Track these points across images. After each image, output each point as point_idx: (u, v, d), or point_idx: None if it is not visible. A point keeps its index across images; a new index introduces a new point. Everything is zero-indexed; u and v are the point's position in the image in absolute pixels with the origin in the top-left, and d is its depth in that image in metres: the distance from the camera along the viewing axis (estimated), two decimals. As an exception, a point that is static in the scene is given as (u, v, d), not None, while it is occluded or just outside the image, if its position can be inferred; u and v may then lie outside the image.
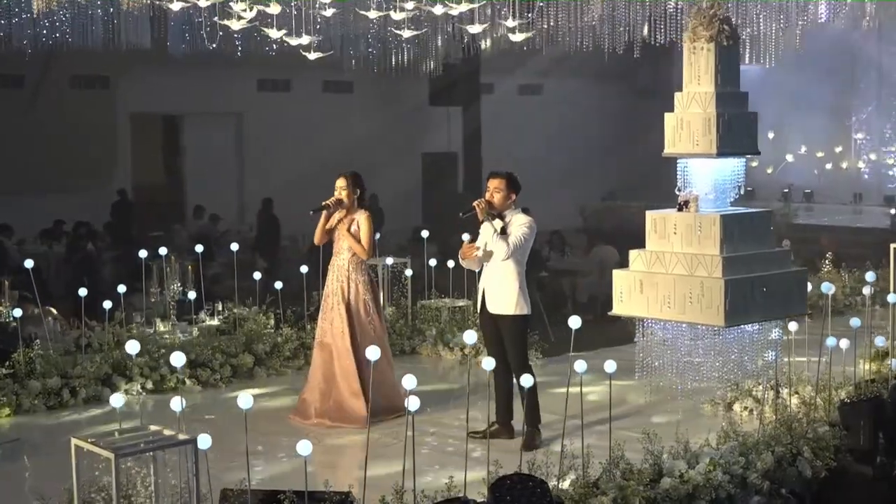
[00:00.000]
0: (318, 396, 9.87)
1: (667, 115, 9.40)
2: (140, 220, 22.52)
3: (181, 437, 5.99)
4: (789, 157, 28.08)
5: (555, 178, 27.33)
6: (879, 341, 9.20)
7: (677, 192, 9.37)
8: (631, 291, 9.20)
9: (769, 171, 28.45)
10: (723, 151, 8.98)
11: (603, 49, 17.29)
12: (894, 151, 27.44)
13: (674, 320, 9.03)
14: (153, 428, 6.16)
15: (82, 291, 11.15)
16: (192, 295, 11.83)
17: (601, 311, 17.84)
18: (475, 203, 9.16)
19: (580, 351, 12.94)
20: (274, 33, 10.50)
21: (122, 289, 11.52)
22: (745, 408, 9.85)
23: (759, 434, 8.23)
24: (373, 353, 7.10)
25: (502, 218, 9.10)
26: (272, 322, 12.49)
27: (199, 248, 12.73)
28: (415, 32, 12.75)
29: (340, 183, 10.01)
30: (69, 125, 22.43)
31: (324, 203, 10.03)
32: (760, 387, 9.79)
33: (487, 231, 9.20)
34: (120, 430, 6.15)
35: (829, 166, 28.00)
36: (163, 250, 12.21)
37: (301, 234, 22.76)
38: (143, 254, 12.03)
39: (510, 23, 10.96)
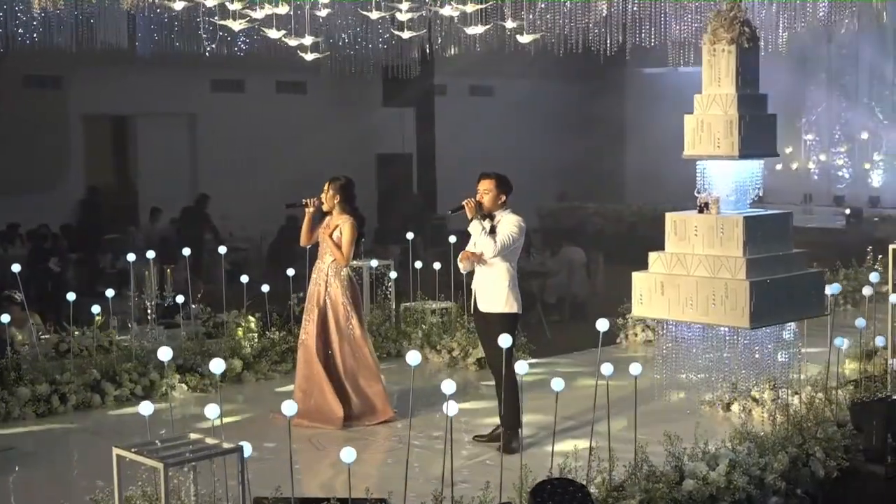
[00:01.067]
0: (300, 396, 9.82)
1: (686, 117, 9.41)
2: (94, 222, 22.20)
3: (225, 445, 5.88)
4: (739, 158, 28.32)
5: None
6: (879, 341, 9.29)
7: (697, 194, 9.39)
8: (651, 293, 9.20)
9: (720, 171, 28.69)
10: (745, 153, 9.01)
11: (553, 50, 17.37)
12: (844, 152, 27.82)
13: (697, 322, 9.04)
14: (193, 436, 6.04)
15: (70, 296, 10.93)
16: (180, 299, 11.62)
17: (569, 312, 17.95)
18: (465, 201, 9.11)
19: (563, 353, 13.05)
20: (273, 33, 10.36)
21: (110, 293, 11.31)
22: (744, 408, 9.92)
23: (773, 435, 8.27)
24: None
25: (491, 219, 9.07)
26: (252, 325, 12.35)
27: (163, 252, 12.62)
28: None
29: (325, 187, 9.94)
30: (21, 126, 22.02)
31: (304, 200, 9.95)
32: (758, 387, 9.89)
33: (475, 229, 9.14)
34: (162, 439, 6.03)
35: (779, 167, 28.26)
36: (150, 254, 11.99)
37: (258, 235, 22.67)
38: (131, 257, 11.80)
39: (509, 23, 10.90)
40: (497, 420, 9.17)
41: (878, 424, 8.20)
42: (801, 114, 28.31)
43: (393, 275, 12.84)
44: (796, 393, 9.52)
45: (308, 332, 9.82)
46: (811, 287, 9.27)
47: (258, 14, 10.53)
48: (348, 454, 6.05)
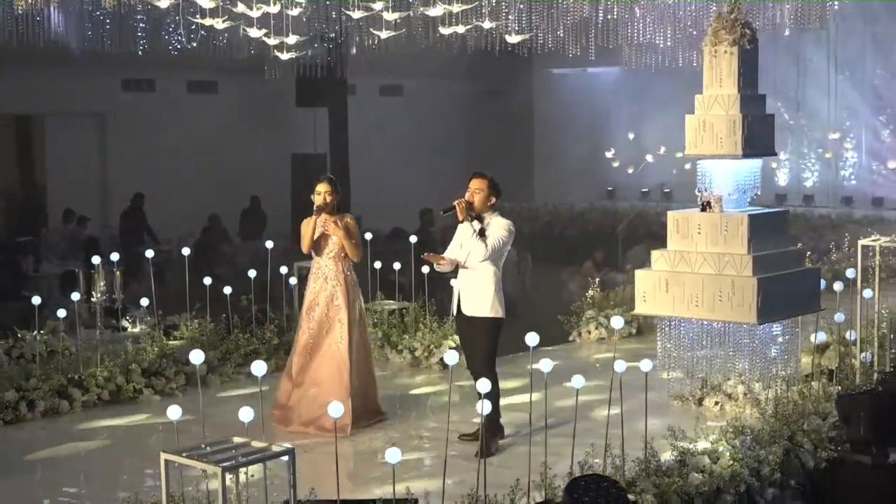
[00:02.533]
0: (303, 403, 9.63)
1: (688, 117, 9.55)
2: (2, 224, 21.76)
3: (275, 448, 5.84)
4: (649, 158, 28.86)
5: (419, 179, 27.45)
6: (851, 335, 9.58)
7: (698, 193, 9.55)
8: (655, 291, 9.31)
9: (630, 171, 29.21)
10: (747, 153, 9.19)
11: (460, 51, 17.51)
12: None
13: (703, 319, 9.20)
14: (237, 439, 5.98)
15: (36, 300, 10.69)
16: (144, 301, 11.44)
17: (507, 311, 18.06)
18: (456, 202, 9.10)
19: (504, 354, 13.07)
20: (255, 33, 10.27)
21: (75, 296, 11.07)
22: (716, 402, 10.14)
23: (766, 428, 8.48)
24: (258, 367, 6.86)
25: (480, 220, 9.06)
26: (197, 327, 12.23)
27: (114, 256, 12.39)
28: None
29: (325, 188, 9.76)
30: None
31: (317, 206, 9.77)
32: (731, 382, 10.11)
33: (464, 231, 9.13)
34: (207, 443, 5.96)
35: (687, 166, 28.82)
36: (114, 256, 11.79)
37: (177, 236, 22.35)
38: (96, 260, 11.58)
39: (486, 23, 10.94)
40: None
41: (864, 416, 8.44)
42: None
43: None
44: (769, 387, 9.77)
45: (316, 334, 9.58)
46: (809, 283, 9.53)
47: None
48: (393, 454, 6.05)
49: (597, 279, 14.30)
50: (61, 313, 10.76)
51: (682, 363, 9.59)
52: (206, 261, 18.54)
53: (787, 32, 15.84)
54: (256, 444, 5.90)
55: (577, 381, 7.04)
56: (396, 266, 12.41)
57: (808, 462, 8.46)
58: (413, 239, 12.69)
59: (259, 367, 6.57)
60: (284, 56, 12.25)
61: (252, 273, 11.92)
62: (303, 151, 26.66)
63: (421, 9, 12.60)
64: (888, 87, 26.20)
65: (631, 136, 29.93)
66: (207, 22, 10.14)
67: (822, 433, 8.63)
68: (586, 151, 29.71)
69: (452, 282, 11.25)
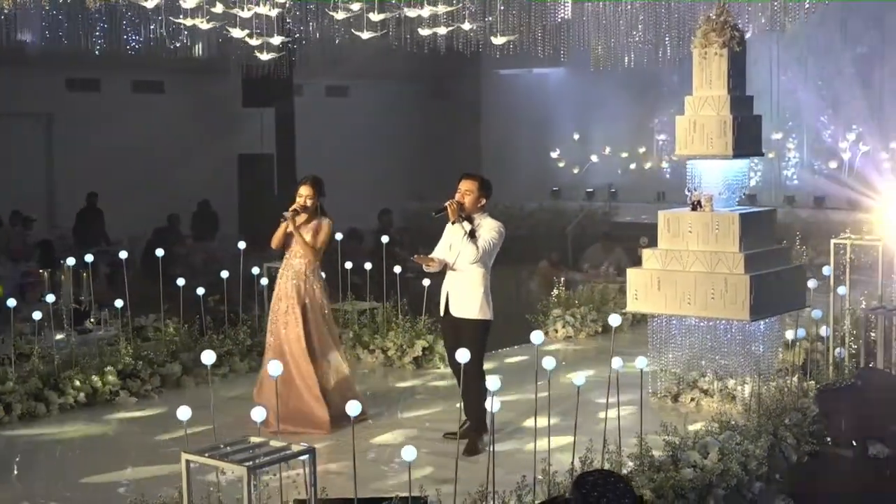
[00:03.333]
0: (275, 402, 9.66)
1: (678, 118, 9.71)
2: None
3: (295, 447, 5.87)
4: (594, 158, 29.10)
5: (366, 180, 27.47)
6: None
7: (688, 193, 9.69)
8: (647, 289, 9.44)
9: (575, 171, 29.44)
10: (737, 153, 9.35)
11: (406, 51, 17.56)
12: (694, 151, 28.80)
13: (695, 316, 9.35)
14: (255, 439, 6.00)
15: (11, 302, 10.58)
16: (119, 303, 11.35)
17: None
18: (447, 203, 9.16)
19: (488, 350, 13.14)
20: (238, 33, 10.25)
21: (50, 298, 10.96)
22: (692, 399, 10.31)
23: (751, 422, 8.64)
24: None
25: (471, 221, 9.13)
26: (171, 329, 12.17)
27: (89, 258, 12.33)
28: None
29: (306, 191, 9.85)
30: None
31: (291, 210, 9.84)
32: (707, 378, 10.28)
33: (454, 232, 9.20)
34: (226, 443, 5.98)
35: (633, 166, 29.14)
36: (88, 258, 11.70)
37: (126, 237, 22.17)
38: (71, 261, 11.48)
39: (442, 29, 11.01)
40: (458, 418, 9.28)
41: (845, 410, 8.63)
42: (653, 115, 29.19)
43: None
44: (744, 383, 9.96)
45: (294, 334, 9.64)
46: (796, 280, 9.72)
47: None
48: (409, 452, 6.11)
49: (562, 278, 14.44)
50: (37, 315, 10.64)
51: (672, 360, 9.72)
52: (162, 261, 18.41)
53: (749, 34, 16.09)
54: (274, 443, 5.93)
55: (579, 378, 7.12)
56: (367, 266, 12.43)
57: (791, 456, 8.64)
58: (385, 239, 12.75)
59: (208, 357, 6.61)
60: (265, 56, 12.11)
61: (225, 274, 11.87)
62: (250, 152, 26.56)
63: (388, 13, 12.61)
64: (829, 87, 26.67)
65: (576, 136, 30.15)
66: (189, 22, 10.10)
67: (804, 427, 8.82)
68: (532, 152, 29.89)
69: (426, 282, 11.42)
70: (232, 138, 26.66)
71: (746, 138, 9.39)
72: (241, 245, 12.43)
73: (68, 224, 22.87)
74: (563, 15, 16.57)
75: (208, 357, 6.75)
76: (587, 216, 23.92)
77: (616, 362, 7.47)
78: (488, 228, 9.04)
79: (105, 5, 14.67)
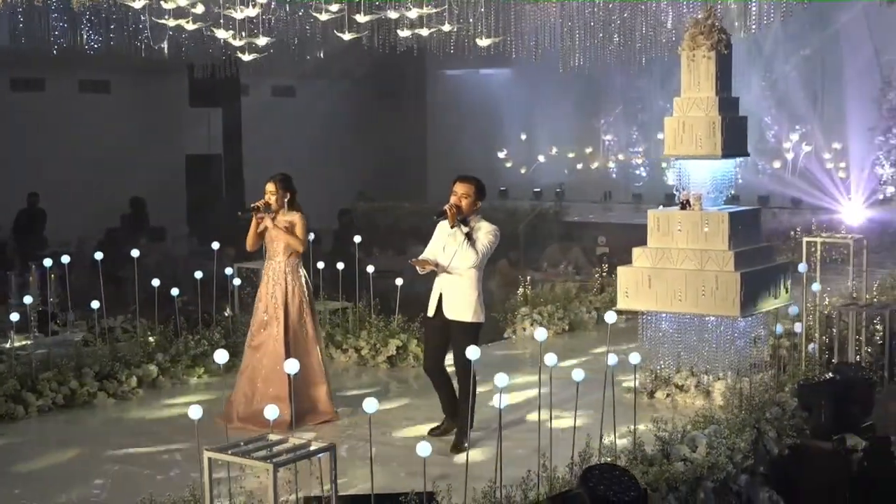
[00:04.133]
0: (241, 400, 9.75)
1: (667, 119, 9.86)
2: None
3: (315, 445, 5.95)
4: (541, 158, 29.37)
5: (314, 180, 27.40)
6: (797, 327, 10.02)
7: (676, 192, 9.85)
8: (638, 287, 9.60)
9: (523, 171, 29.69)
10: (725, 153, 9.54)
11: (353, 52, 17.61)
12: (641, 151, 29.17)
13: (686, 313, 9.52)
14: (272, 437, 6.07)
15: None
16: (95, 304, 11.30)
17: (419, 311, 18.23)
18: (447, 207, 9.05)
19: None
20: (221, 33, 10.25)
21: (27, 300, 10.91)
22: (668, 395, 10.51)
23: (734, 416, 8.84)
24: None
25: (467, 223, 9.08)
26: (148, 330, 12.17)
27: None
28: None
29: (269, 188, 9.92)
30: None
31: (252, 205, 9.92)
32: (681, 374, 10.49)
33: (446, 234, 9.15)
34: (245, 440, 6.04)
35: (579, 166, 29.42)
36: (47, 262, 11.61)
37: (75, 238, 21.96)
38: (48, 262, 11.43)
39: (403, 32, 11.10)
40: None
41: (826, 404, 8.86)
42: (599, 115, 29.51)
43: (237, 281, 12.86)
44: (719, 378, 10.18)
45: (272, 334, 9.70)
46: (781, 278, 9.94)
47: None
48: (423, 448, 6.21)
49: (528, 277, 14.60)
50: (14, 317, 10.58)
51: (656, 355, 9.93)
52: (115, 262, 18.31)
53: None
54: (293, 440, 6.00)
55: (577, 374, 7.27)
56: (340, 266, 12.48)
57: (772, 449, 8.85)
58: (357, 239, 12.83)
59: (221, 356, 6.70)
60: (247, 57, 12.12)
61: (198, 274, 11.85)
62: (197, 152, 26.48)
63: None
64: (773, 88, 27.12)
65: (523, 136, 30.39)
66: (172, 23, 10.11)
67: (784, 421, 9.03)
68: (479, 152, 30.05)
69: (399, 281, 11.51)
70: (179, 138, 26.57)
71: (734, 139, 9.60)
72: (215, 245, 12.43)
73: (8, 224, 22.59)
74: (510, 15, 16.73)
75: (221, 356, 6.78)
76: (538, 216, 24.11)
77: (612, 358, 7.61)
78: (485, 232, 9.08)
79: (56, 3, 14.60)
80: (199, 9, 10.06)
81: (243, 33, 11.39)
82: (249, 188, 26.29)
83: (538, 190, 29.13)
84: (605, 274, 15.31)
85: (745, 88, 27.40)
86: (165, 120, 26.31)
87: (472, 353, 7.20)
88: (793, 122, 26.81)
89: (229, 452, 5.78)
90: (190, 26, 10.38)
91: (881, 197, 24.83)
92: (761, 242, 10.11)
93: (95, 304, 11.27)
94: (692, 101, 9.59)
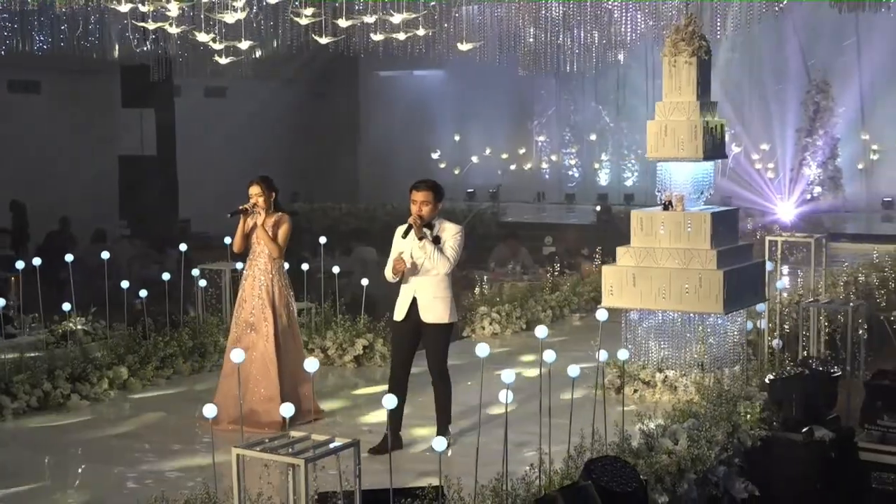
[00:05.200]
0: (231, 402, 9.79)
1: (649, 123, 10.10)
2: None
3: (338, 441, 6.11)
4: (474, 159, 29.68)
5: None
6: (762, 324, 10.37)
7: (658, 193, 10.12)
8: (623, 285, 9.85)
9: (456, 171, 29.96)
10: (706, 155, 9.84)
11: (285, 52, 17.71)
12: (573, 153, 29.64)
13: (671, 310, 9.81)
14: (295, 434, 6.21)
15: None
16: (66, 306, 11.31)
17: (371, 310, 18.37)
18: (410, 221, 8.93)
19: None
20: (203, 37, 10.32)
21: (-1, 302, 10.87)
22: (635, 390, 10.80)
23: (715, 410, 9.14)
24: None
25: (431, 227, 9.07)
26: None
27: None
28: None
29: (255, 190, 9.97)
30: None
31: (240, 207, 10.01)
32: (648, 370, 10.79)
33: (406, 242, 9.19)
34: (269, 437, 6.18)
35: (513, 167, 29.79)
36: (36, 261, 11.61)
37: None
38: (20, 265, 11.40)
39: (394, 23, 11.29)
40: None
41: (796, 397, 9.20)
42: (532, 117, 29.91)
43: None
44: (684, 375, 10.50)
45: (263, 334, 9.78)
46: (757, 276, 10.28)
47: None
48: (439, 443, 6.40)
49: (485, 276, 14.84)
50: None
51: (644, 353, 10.22)
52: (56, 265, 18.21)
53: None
54: (316, 437, 6.14)
55: (573, 370, 7.49)
56: (305, 267, 12.59)
57: (746, 441, 9.17)
58: (323, 240, 12.97)
59: (237, 355, 6.87)
60: (223, 60, 12.18)
61: (166, 276, 11.91)
62: (130, 153, 26.32)
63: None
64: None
65: (457, 137, 30.69)
66: (152, 25, 10.15)
67: (756, 414, 9.36)
68: (413, 152, 30.30)
69: (365, 281, 11.70)
70: (112, 139, 26.43)
71: (713, 141, 9.92)
72: (183, 247, 12.49)
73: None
74: (446, 18, 16.98)
75: (237, 356, 6.91)
76: (476, 216, 24.40)
77: (603, 355, 7.86)
78: (451, 234, 9.12)
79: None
80: (174, 12, 10.09)
81: (219, 37, 11.44)
82: (183, 189, 26.26)
83: (471, 191, 29.45)
84: (556, 273, 15.63)
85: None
86: (99, 121, 26.22)
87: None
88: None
89: (257, 449, 5.91)
90: (172, 30, 10.41)
91: (808, 197, 25.56)
92: (738, 241, 10.46)
93: (67, 307, 11.27)
94: (674, 105, 9.88)
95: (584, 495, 6.67)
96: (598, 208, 24.44)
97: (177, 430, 9.88)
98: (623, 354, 8.07)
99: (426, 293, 9.14)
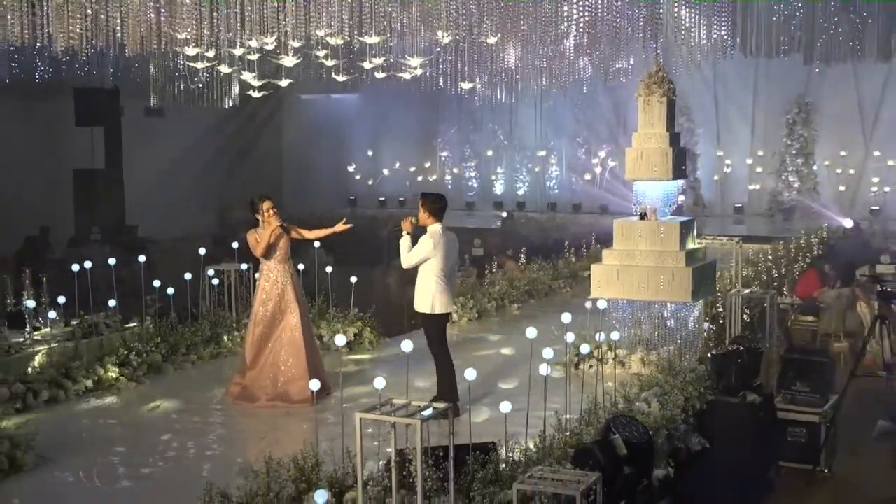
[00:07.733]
0: (267, 383, 10.43)
1: (627, 150, 11.00)
2: None
3: (436, 405, 6.82)
4: (385, 171, 30.34)
5: (186, 193, 27.60)
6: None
7: (635, 206, 11.00)
8: (609, 279, 10.75)
9: (370, 182, 30.59)
10: (674, 176, 10.81)
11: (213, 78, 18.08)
12: (472, 166, 30.51)
13: (649, 300, 10.72)
14: (397, 401, 6.88)
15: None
16: (113, 303, 11.71)
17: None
18: (402, 222, 9.96)
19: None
20: (225, 68, 10.75)
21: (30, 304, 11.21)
22: (591, 367, 11.70)
23: (674, 380, 10.08)
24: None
25: (425, 231, 9.88)
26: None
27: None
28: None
29: (268, 204, 10.72)
30: None
31: (281, 224, 10.62)
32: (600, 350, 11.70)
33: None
34: (378, 405, 6.84)
35: (419, 178, 30.51)
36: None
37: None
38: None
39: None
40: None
41: (734, 369, 10.21)
42: (437, 135, 30.68)
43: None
44: (632, 353, 11.44)
45: (292, 322, 10.44)
46: (712, 272, 11.31)
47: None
48: (505, 406, 7.17)
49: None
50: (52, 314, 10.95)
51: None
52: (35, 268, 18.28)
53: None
54: (415, 403, 6.84)
55: (584, 347, 8.34)
56: (301, 267, 13.15)
57: (695, 404, 10.14)
58: (317, 243, 13.54)
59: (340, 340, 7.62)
60: (222, 69, 12.54)
61: (188, 276, 12.40)
62: (82, 168, 26.24)
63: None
64: (583, 112, 28.85)
65: (370, 153, 31.29)
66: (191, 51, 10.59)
67: (702, 383, 10.34)
68: (331, 166, 30.79)
69: (353, 278, 12.36)
70: (65, 156, 26.28)
71: (679, 164, 10.92)
72: (202, 251, 12.96)
73: None
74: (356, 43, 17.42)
75: (340, 340, 7.57)
76: (396, 223, 24.97)
77: (584, 348, 8.74)
78: (421, 239, 9.82)
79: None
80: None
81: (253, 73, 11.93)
82: (130, 199, 26.26)
83: (383, 199, 30.09)
84: (493, 271, 16.44)
85: (560, 112, 29.11)
86: (52, 138, 26.05)
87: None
88: (601, 142, 28.61)
89: (377, 412, 6.60)
90: (199, 65, 10.87)
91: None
92: (695, 245, 11.48)
93: (113, 303, 11.67)
94: (648, 135, 10.84)
95: (612, 445, 7.54)
96: (504, 214, 25.32)
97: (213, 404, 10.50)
98: (615, 336, 8.92)
99: (416, 284, 9.87)
